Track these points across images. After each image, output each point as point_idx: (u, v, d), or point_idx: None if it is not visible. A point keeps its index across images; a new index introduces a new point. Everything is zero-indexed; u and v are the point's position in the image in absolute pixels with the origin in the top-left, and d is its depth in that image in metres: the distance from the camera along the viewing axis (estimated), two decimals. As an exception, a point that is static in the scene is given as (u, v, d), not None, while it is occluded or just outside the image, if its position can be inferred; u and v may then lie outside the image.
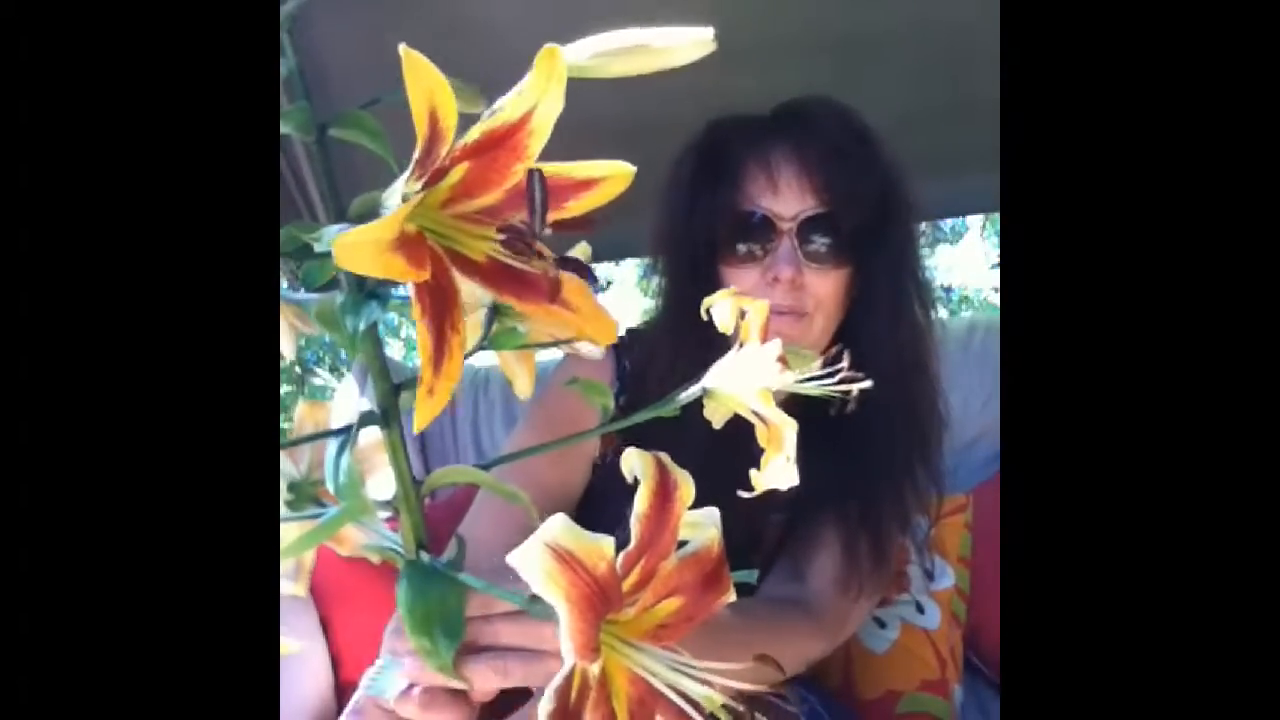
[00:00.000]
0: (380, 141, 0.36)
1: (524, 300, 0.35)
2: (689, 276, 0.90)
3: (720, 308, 0.43)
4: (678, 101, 0.88)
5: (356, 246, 0.29)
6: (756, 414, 0.43)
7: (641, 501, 0.34)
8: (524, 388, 0.47)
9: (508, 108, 0.32)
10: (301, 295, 0.42)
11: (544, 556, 0.30)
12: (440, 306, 0.32)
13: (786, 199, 0.88)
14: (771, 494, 0.99)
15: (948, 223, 5.02)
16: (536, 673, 0.46)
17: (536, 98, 0.32)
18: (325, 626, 1.18)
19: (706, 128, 0.94)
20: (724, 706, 0.34)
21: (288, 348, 0.42)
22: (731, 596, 0.37)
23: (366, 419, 0.38)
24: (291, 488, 0.44)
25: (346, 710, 0.56)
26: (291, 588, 0.45)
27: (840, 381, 0.47)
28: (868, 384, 0.47)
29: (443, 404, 0.32)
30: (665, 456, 0.36)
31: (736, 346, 0.43)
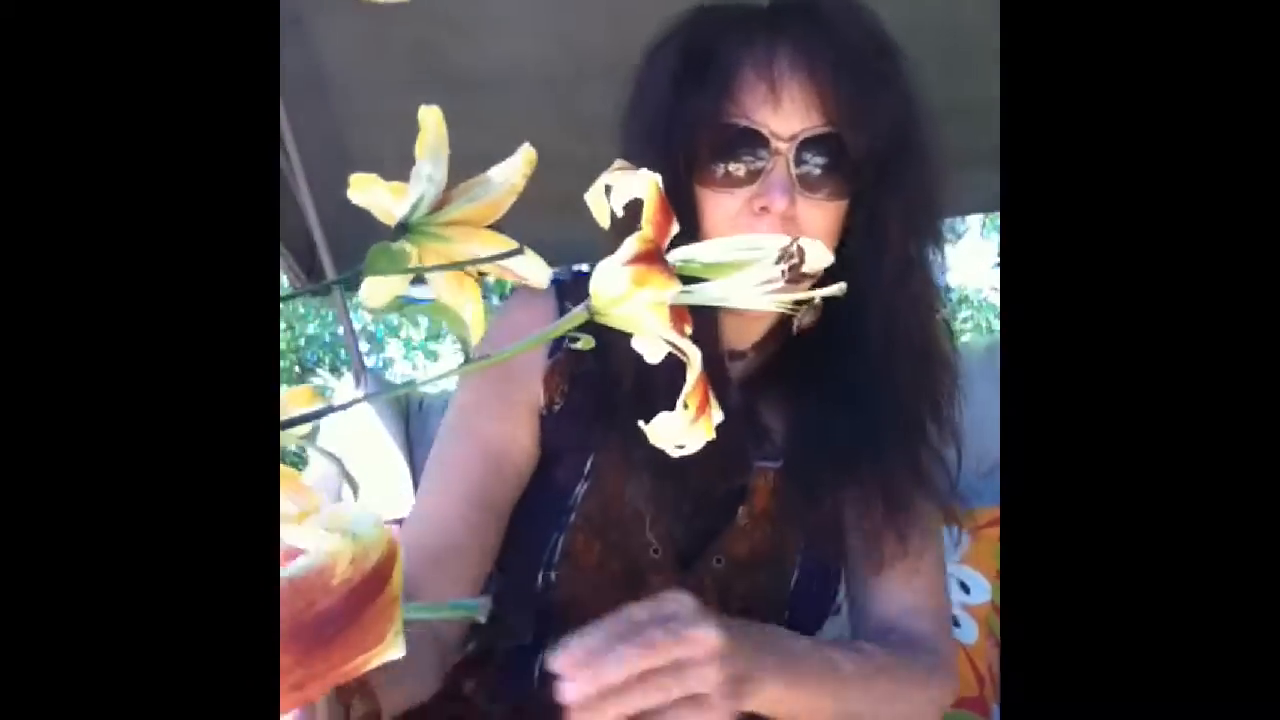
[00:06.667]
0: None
1: None
2: None
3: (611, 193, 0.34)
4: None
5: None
6: (666, 340, 0.34)
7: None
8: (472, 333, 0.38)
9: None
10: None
11: None
12: None
13: (788, 114, 0.73)
14: (761, 438, 0.86)
15: (947, 222, 5.02)
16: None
17: None
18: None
19: (693, 16, 0.78)
20: None
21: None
22: None
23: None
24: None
25: None
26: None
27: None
28: (836, 289, 0.37)
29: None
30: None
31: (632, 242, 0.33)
